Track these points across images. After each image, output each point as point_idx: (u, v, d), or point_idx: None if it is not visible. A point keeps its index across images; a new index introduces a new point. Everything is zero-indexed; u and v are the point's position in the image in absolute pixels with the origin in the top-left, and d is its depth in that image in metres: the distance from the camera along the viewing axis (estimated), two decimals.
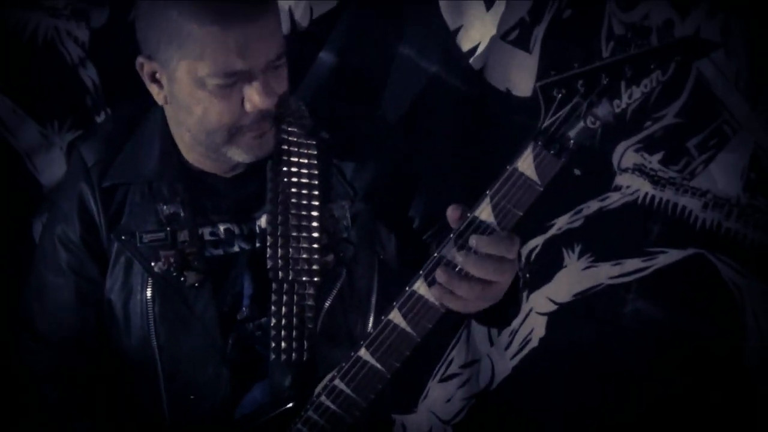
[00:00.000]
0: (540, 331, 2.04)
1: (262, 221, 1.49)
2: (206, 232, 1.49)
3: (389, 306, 1.28)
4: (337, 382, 1.34)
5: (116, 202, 1.48)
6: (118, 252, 1.48)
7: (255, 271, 1.49)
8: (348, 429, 1.38)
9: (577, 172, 1.84)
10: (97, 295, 1.50)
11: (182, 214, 1.46)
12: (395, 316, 1.27)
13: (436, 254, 1.22)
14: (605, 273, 1.96)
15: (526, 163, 1.16)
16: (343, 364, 1.33)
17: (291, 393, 1.43)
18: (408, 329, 1.27)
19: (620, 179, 1.92)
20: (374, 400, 1.35)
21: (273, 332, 1.44)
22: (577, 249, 1.99)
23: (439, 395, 2.19)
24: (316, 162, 1.49)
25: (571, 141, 1.14)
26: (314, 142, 1.50)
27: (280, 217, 1.44)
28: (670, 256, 1.90)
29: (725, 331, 1.85)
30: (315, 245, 1.45)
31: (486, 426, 2.15)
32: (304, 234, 1.45)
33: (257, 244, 1.49)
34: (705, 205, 1.84)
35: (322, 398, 1.36)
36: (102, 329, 1.52)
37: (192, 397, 1.49)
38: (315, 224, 1.46)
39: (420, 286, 1.25)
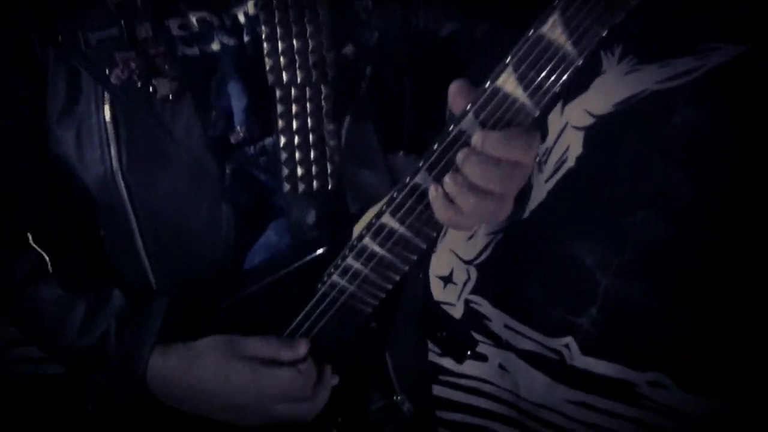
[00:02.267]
0: (577, 148, 1.86)
1: (249, 6, 1.16)
2: (173, 25, 1.15)
3: (462, 112, 0.92)
4: (386, 218, 1.02)
5: None
6: (56, 61, 1.11)
7: (247, 76, 1.17)
8: (402, 278, 1.09)
9: None
10: (36, 125, 1.14)
11: (138, 2, 1.12)
12: (469, 125, 0.93)
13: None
14: (651, 77, 1.77)
15: None
16: (394, 195, 1.00)
17: (318, 234, 1.16)
18: None
19: None
20: (435, 239, 1.05)
21: (284, 155, 1.14)
22: (618, 50, 1.79)
23: (459, 232, 2.00)
24: None
25: None
26: None
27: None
28: (724, 54, 1.69)
29: None
30: (326, 33, 1.15)
31: (514, 265, 2.00)
32: (310, 18, 1.14)
33: (245, 38, 1.17)
34: None
35: (366, 240, 1.05)
36: (49, 174, 1.17)
37: (181, 249, 1.17)
38: (324, 4, 1.15)
39: (507, 80, 0.89)
